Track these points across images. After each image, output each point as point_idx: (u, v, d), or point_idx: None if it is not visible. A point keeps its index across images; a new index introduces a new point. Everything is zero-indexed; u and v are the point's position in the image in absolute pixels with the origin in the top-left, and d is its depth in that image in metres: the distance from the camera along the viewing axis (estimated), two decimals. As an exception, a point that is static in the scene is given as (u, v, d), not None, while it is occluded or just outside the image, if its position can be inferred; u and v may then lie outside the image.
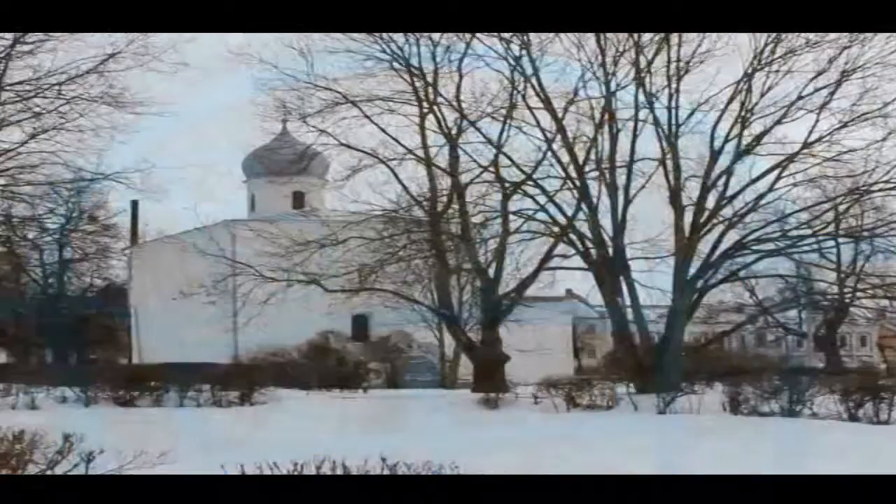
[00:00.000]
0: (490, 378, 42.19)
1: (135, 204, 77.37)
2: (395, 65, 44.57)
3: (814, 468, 15.39)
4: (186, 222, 64.26)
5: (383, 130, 45.21)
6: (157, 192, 45.19)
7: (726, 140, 42.83)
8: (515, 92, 44.54)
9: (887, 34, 39.83)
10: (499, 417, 32.93)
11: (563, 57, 43.52)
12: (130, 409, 36.12)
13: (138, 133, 43.08)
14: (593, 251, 43.86)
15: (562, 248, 46.18)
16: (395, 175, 45.80)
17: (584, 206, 43.81)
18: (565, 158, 44.17)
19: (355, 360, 60.83)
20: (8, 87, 40.31)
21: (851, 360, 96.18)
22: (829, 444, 21.55)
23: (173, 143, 70.83)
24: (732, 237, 44.02)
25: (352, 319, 69.99)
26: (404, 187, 46.79)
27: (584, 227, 44.34)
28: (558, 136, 44.06)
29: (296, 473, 9.49)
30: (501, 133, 45.23)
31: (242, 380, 39.81)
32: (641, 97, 43.14)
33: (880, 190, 43.44)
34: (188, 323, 59.16)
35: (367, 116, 44.89)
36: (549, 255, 47.12)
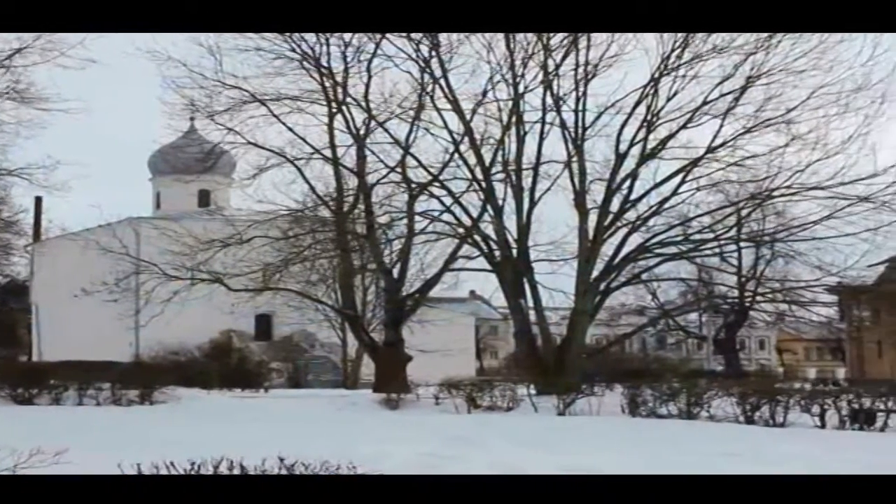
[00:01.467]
0: (392, 378, 42.22)
1: (38, 200, 76.50)
2: (305, 64, 44.47)
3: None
4: (90, 219, 63.73)
5: (291, 130, 45.19)
6: (62, 188, 44.72)
7: (632, 144, 43.07)
8: (424, 93, 44.67)
9: (792, 41, 40.44)
10: (398, 418, 32.89)
11: (473, 59, 43.66)
12: (29, 406, 35.72)
13: (44, 129, 42.60)
14: (497, 253, 44.09)
15: (466, 249, 46.49)
16: (302, 174, 45.78)
17: (489, 207, 44.04)
18: (472, 160, 44.38)
19: (257, 359, 60.77)
20: None
21: (750, 364, 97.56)
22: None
23: (79, 139, 70.11)
24: (635, 240, 44.43)
25: (255, 319, 69.94)
26: (311, 187, 46.76)
27: (488, 229, 44.61)
28: (466, 138, 44.24)
29: (193, 473, 9.43)
30: (409, 134, 45.42)
31: (143, 378, 39.56)
32: (549, 100, 43.36)
33: (782, 195, 43.65)
34: (90, 321, 58.53)
35: (275, 115, 44.79)
36: (453, 257, 47.36)
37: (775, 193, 43.62)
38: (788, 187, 42.73)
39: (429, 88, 44.43)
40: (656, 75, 42.29)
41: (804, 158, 41.54)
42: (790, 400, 30.59)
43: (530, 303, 44.11)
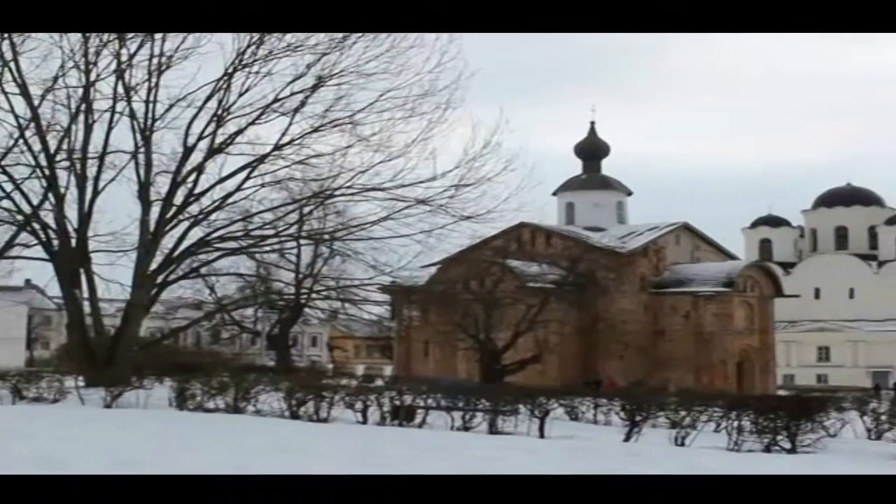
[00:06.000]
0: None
1: None
2: None
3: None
4: None
5: None
6: None
7: (200, 137, 43.54)
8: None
9: (366, 43, 41.67)
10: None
11: (46, 43, 42.60)
12: None
13: None
14: (56, 242, 43.53)
15: (24, 236, 45.51)
16: None
17: (51, 195, 43.41)
18: (37, 146, 43.61)
19: None
20: None
21: (302, 360, 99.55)
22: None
23: None
24: (197, 234, 44.99)
25: None
26: None
27: (49, 217, 43.98)
28: (32, 124, 43.36)
29: None
30: (-27, 117, 43.88)
31: None
32: (121, 89, 43.24)
33: (343, 195, 45.09)
34: None
35: None
36: (10, 244, 46.11)
37: (337, 193, 45.00)
38: (350, 187, 44.16)
39: (-3, 71, 43.20)
40: (230, 70, 42.78)
41: (367, 160, 43.11)
42: (335, 396, 31.59)
43: (86, 293, 43.80)
